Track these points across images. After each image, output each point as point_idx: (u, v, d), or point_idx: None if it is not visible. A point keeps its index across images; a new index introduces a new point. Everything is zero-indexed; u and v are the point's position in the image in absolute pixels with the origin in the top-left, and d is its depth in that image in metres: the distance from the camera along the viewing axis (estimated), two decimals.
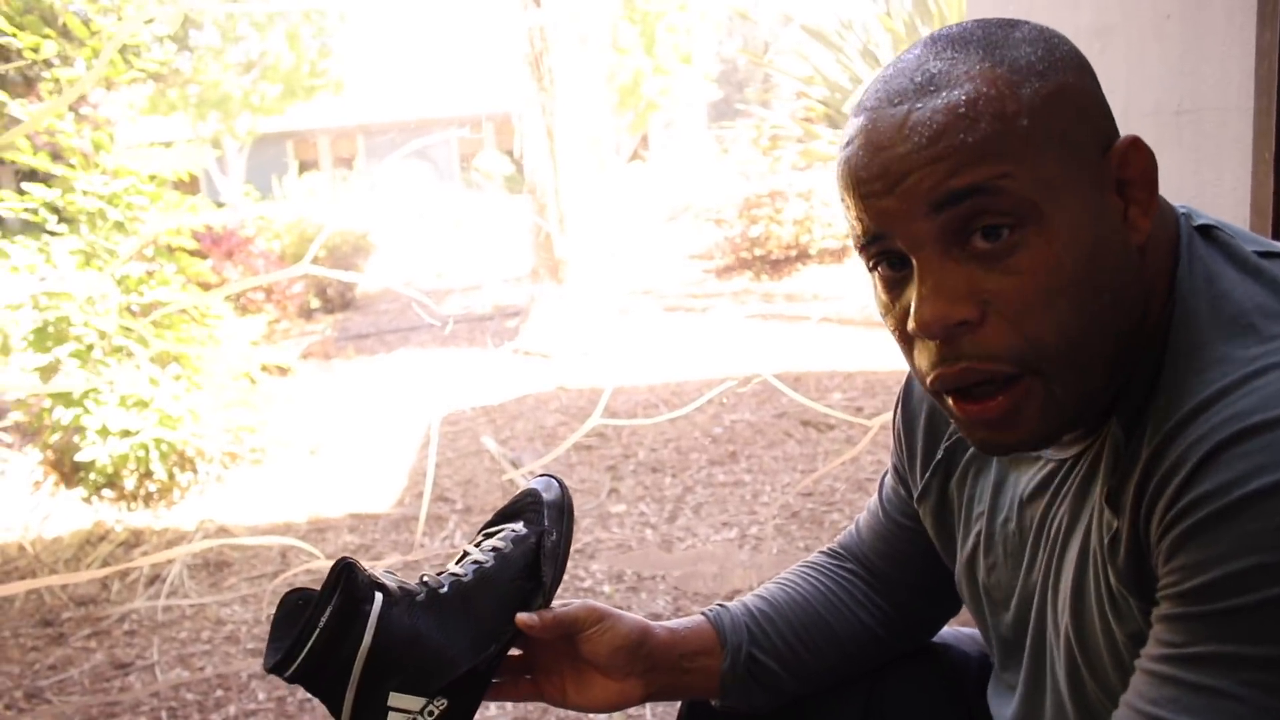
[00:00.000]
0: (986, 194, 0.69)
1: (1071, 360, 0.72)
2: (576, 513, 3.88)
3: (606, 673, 1.00)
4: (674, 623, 1.05)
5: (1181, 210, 0.79)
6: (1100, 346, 0.72)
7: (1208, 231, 0.77)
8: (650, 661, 1.01)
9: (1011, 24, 0.75)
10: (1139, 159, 0.73)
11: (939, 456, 0.99)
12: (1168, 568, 0.68)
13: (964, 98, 0.70)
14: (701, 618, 1.07)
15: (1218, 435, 0.66)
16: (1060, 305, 0.70)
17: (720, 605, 1.09)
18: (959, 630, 1.19)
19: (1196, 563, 0.66)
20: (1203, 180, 1.60)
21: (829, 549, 1.19)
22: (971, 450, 0.96)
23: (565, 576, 3.28)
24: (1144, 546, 0.72)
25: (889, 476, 1.11)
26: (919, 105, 0.70)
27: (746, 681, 1.04)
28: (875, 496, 1.14)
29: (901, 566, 1.10)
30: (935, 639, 1.16)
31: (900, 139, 0.70)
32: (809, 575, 1.14)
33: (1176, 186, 1.65)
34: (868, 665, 1.11)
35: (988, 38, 0.73)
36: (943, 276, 0.71)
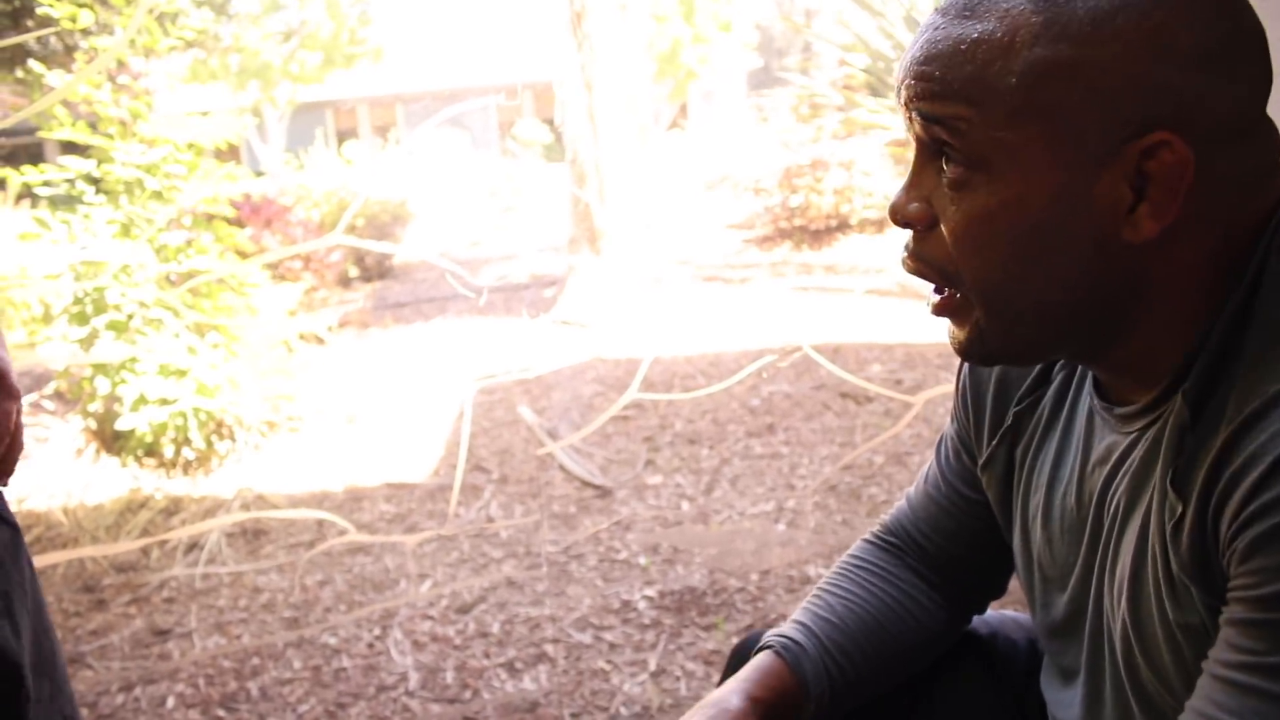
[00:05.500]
0: (945, 127, 0.73)
1: (989, 303, 0.76)
2: (615, 483, 3.88)
3: None
4: (755, 682, 0.97)
5: None
6: (1038, 304, 0.74)
7: None
8: None
9: None
10: (1166, 158, 0.68)
11: (1008, 422, 0.95)
12: (1242, 569, 0.65)
13: (975, 35, 0.71)
14: (779, 663, 0.99)
15: None
16: (984, 253, 0.74)
17: (795, 643, 1.01)
18: (1004, 614, 1.15)
19: (1276, 567, 0.62)
20: None
21: (878, 539, 1.13)
22: (1039, 417, 0.93)
23: (601, 549, 3.26)
24: (1210, 538, 0.69)
25: (948, 444, 1.06)
26: (944, 25, 0.74)
27: (819, 716, 1.00)
28: (931, 467, 1.09)
29: (961, 541, 1.06)
30: (984, 626, 1.12)
31: (919, 46, 0.75)
32: (870, 584, 1.08)
33: None
34: (923, 666, 1.08)
35: None
36: (918, 178, 0.78)
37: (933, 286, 0.81)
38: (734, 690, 0.96)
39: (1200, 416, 0.71)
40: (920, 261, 0.79)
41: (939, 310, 0.80)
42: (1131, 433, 0.79)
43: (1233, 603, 0.66)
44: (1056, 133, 0.69)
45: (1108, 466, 0.82)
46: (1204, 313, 0.72)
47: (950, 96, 0.72)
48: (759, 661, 0.99)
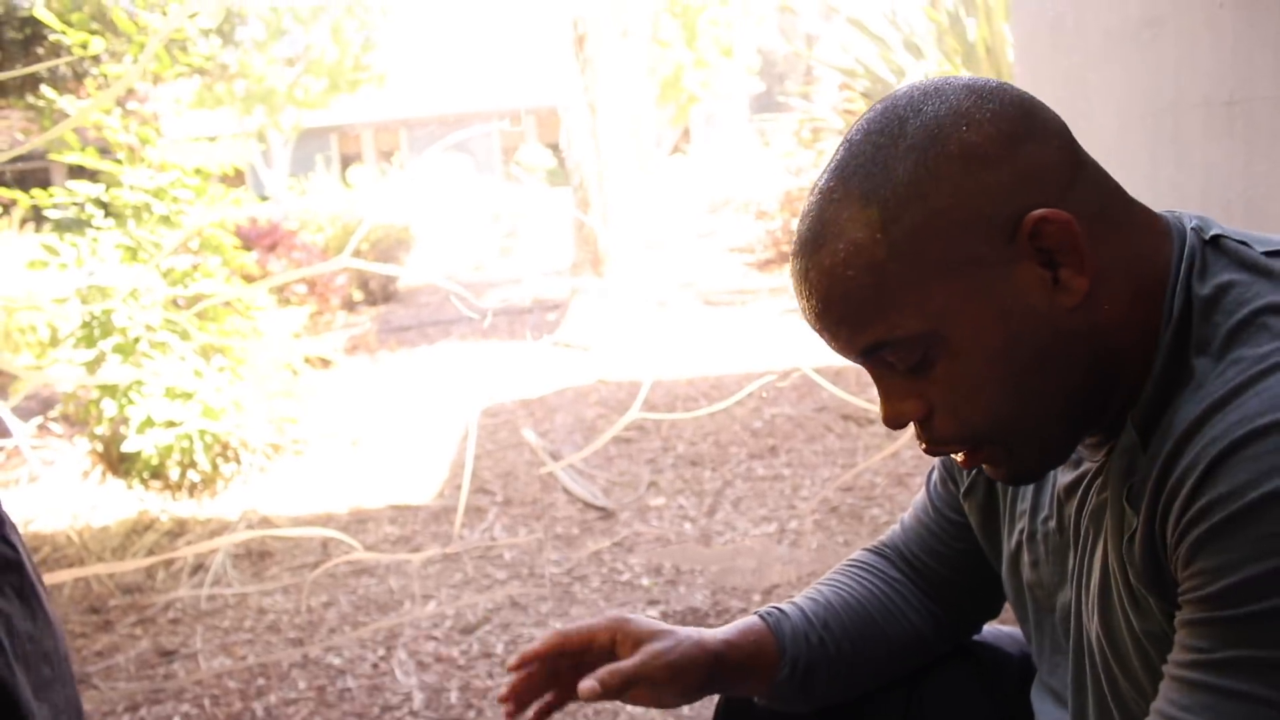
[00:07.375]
0: (887, 345, 0.77)
1: (1014, 429, 0.79)
2: (617, 505, 3.89)
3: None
4: (732, 630, 1.04)
5: (1192, 224, 0.79)
6: (1045, 407, 0.78)
7: (1217, 241, 0.77)
8: (715, 678, 1.01)
9: (903, 121, 0.76)
10: (1051, 231, 0.73)
11: None
12: (1187, 572, 0.69)
13: (841, 255, 0.76)
14: (760, 623, 1.05)
15: (1228, 438, 0.67)
16: (985, 401, 0.77)
17: (779, 610, 1.07)
18: (999, 629, 1.18)
19: (1215, 568, 0.66)
20: (1254, 174, 1.56)
21: (874, 547, 1.18)
22: None
23: (604, 570, 3.27)
24: (1160, 546, 0.73)
25: (936, 472, 1.10)
26: (811, 266, 0.78)
27: (798, 690, 1.04)
28: (922, 493, 1.13)
29: (950, 564, 1.10)
30: (976, 637, 1.15)
31: (805, 295, 0.79)
32: (861, 577, 1.13)
33: (1226, 180, 1.61)
34: (912, 667, 1.11)
35: (874, 156, 0.76)
36: (888, 386, 0.81)
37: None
38: (714, 632, 1.02)
39: (1149, 438, 0.75)
40: (939, 444, 0.82)
41: (970, 465, 0.84)
42: (1099, 458, 0.84)
43: (1183, 605, 0.70)
44: (960, 273, 0.74)
45: (1079, 491, 0.87)
46: (1145, 344, 0.77)
47: (867, 323, 0.77)
48: (742, 621, 1.06)
